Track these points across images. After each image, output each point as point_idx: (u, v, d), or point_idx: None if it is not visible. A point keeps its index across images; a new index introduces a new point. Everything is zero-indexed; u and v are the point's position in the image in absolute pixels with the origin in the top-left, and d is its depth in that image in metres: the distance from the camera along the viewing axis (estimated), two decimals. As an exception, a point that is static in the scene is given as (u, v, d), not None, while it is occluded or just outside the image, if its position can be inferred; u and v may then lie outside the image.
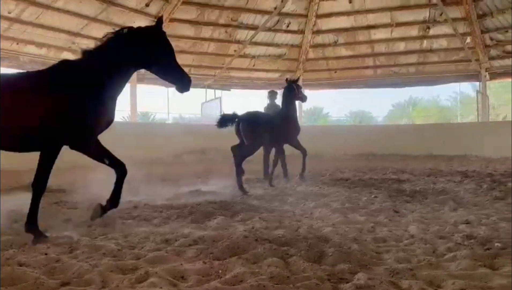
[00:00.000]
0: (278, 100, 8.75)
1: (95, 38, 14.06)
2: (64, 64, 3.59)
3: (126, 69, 3.76)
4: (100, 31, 13.97)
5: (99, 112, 3.48)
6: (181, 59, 16.70)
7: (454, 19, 14.83)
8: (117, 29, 3.83)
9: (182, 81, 3.97)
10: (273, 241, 2.98)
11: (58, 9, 12.64)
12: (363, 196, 5.55)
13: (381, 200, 5.23)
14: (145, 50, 3.72)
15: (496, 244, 2.91)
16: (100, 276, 2.34)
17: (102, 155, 3.66)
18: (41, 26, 12.81)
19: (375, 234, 3.46)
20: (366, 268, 2.51)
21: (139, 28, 3.87)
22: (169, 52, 3.86)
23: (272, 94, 9.38)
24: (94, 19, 13.59)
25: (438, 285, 2.25)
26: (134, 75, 15.53)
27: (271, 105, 9.27)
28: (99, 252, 2.83)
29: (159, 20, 3.90)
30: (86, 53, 3.63)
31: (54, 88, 3.30)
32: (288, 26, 16.74)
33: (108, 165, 3.68)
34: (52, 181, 3.45)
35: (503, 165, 10.21)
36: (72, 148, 3.54)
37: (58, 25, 13.14)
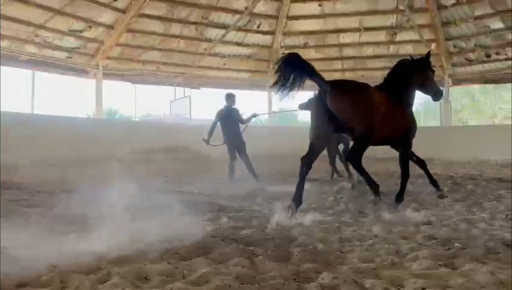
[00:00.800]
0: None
1: (59, 32, 13.71)
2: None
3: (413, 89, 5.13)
4: (65, 24, 13.63)
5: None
6: (150, 56, 16.60)
7: (420, 26, 15.29)
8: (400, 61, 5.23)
9: (437, 93, 5.22)
10: (240, 241, 2.98)
11: (22, 0, 12.16)
12: (330, 197, 5.63)
13: (347, 200, 5.33)
14: (424, 75, 5.10)
15: (456, 244, 3.02)
16: (60, 276, 2.26)
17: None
18: (4, 17, 12.29)
19: (340, 234, 3.51)
20: (331, 268, 2.55)
21: (420, 58, 5.23)
22: (433, 75, 5.26)
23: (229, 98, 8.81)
24: (60, 12, 13.17)
25: (400, 284, 2.30)
26: (100, 71, 15.21)
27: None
28: (59, 251, 2.74)
29: (428, 53, 5.27)
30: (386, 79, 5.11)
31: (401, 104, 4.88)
32: (259, 26, 16.77)
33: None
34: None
35: (463, 169, 10.60)
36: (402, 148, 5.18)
37: (21, 16, 12.62)
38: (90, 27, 14.19)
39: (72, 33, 14.06)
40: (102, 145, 11.14)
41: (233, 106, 8.43)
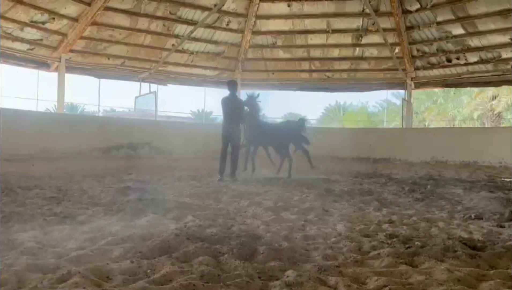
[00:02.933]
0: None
1: (21, 22, 13.16)
2: None
3: None
4: (27, 15, 13.09)
5: None
6: (115, 50, 16.22)
7: (385, 29, 15.67)
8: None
9: None
10: (205, 240, 2.95)
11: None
12: (295, 195, 5.68)
13: (311, 199, 5.38)
14: None
15: (416, 243, 3.10)
16: (16, 276, 2.17)
17: None
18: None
19: (305, 232, 3.54)
20: (296, 265, 2.56)
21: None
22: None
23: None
24: (21, 1, 12.64)
25: (363, 281, 2.35)
26: (63, 64, 14.71)
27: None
28: (16, 250, 2.63)
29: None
30: None
31: None
32: (228, 24, 16.71)
33: None
34: None
35: (423, 169, 10.95)
36: None
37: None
38: (53, 18, 13.70)
39: (34, 24, 13.52)
40: (64, 141, 10.82)
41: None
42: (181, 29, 16.12)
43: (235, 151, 7.83)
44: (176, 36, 16.26)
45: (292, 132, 8.86)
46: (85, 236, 3.07)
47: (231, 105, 7.87)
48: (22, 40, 13.79)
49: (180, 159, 11.27)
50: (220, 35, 17.05)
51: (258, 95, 8.64)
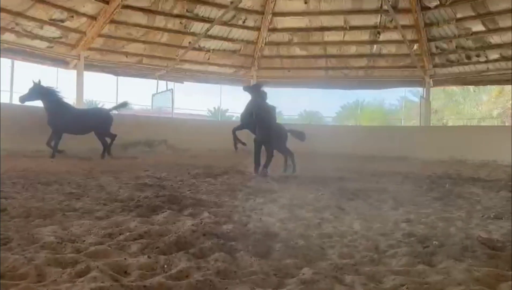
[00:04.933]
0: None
1: (40, 20, 13.39)
2: None
3: None
4: (46, 13, 13.31)
5: None
6: (132, 48, 16.43)
7: (403, 26, 15.48)
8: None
9: None
10: (221, 236, 2.96)
11: (0, -13, 11.85)
12: (310, 193, 5.65)
13: (327, 197, 5.36)
14: None
15: (434, 242, 3.06)
16: (36, 269, 2.21)
17: None
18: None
19: (320, 230, 3.53)
20: (311, 263, 2.56)
21: None
22: None
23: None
24: (41, 0, 12.86)
25: (379, 280, 2.33)
26: (82, 62, 14.93)
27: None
28: (36, 245, 2.68)
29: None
30: None
31: None
32: (244, 22, 16.73)
33: None
34: None
35: (441, 168, 10.78)
36: None
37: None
38: (72, 16, 13.91)
39: (53, 22, 13.75)
40: (82, 137, 10.98)
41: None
42: (197, 27, 16.21)
43: (270, 152, 7.99)
44: (193, 34, 16.37)
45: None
46: (103, 231, 3.12)
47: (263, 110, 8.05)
48: (41, 38, 14.04)
49: (196, 156, 11.33)
50: (236, 33, 17.08)
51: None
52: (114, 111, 11.28)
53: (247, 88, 8.75)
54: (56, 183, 5.62)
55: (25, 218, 3.48)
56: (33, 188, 5.10)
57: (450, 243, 3.04)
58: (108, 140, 10.69)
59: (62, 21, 13.89)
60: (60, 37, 14.44)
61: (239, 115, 9.31)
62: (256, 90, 8.50)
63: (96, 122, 10.58)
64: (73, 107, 11.10)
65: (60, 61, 15.14)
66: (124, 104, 11.40)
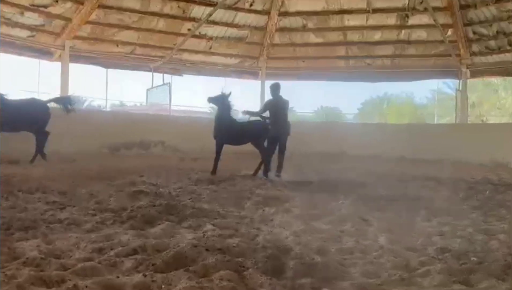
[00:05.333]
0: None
1: (20, 6, 13.52)
2: None
3: None
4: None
5: None
6: (124, 36, 16.49)
7: (435, 9, 15.37)
8: None
9: None
10: (226, 251, 2.97)
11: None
12: (328, 202, 5.64)
13: (347, 206, 5.34)
14: None
15: (472, 258, 3.05)
16: (18, 289, 2.24)
17: None
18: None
19: (340, 244, 3.52)
20: (331, 283, 2.56)
21: None
22: None
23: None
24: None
25: (409, 302, 2.33)
26: (67, 52, 15.04)
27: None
28: (18, 261, 2.72)
29: None
30: None
31: None
32: (251, 5, 16.71)
33: None
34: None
35: (480, 172, 10.69)
36: None
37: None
38: (57, 1, 14.02)
39: (35, 8, 13.87)
40: (68, 139, 11.06)
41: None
42: (198, 11, 16.22)
43: (282, 150, 8.74)
44: (193, 20, 16.39)
45: None
46: (92, 245, 3.14)
47: (278, 107, 8.86)
48: (22, 26, 14.17)
49: (197, 159, 11.37)
50: (242, 18, 17.08)
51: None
52: (53, 104, 10.53)
53: (211, 100, 9.27)
54: (38, 191, 5.67)
55: (5, 230, 3.52)
56: (13, 196, 5.16)
57: (491, 260, 3.02)
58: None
59: (45, 6, 14.01)
60: (43, 25, 14.57)
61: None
62: (220, 102, 9.09)
63: (31, 117, 9.86)
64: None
65: (43, 52, 15.28)
66: (66, 99, 10.56)
